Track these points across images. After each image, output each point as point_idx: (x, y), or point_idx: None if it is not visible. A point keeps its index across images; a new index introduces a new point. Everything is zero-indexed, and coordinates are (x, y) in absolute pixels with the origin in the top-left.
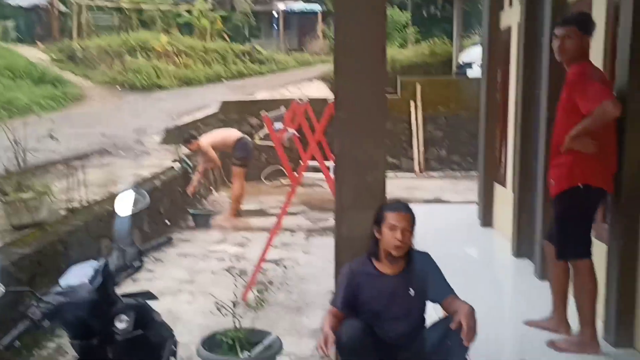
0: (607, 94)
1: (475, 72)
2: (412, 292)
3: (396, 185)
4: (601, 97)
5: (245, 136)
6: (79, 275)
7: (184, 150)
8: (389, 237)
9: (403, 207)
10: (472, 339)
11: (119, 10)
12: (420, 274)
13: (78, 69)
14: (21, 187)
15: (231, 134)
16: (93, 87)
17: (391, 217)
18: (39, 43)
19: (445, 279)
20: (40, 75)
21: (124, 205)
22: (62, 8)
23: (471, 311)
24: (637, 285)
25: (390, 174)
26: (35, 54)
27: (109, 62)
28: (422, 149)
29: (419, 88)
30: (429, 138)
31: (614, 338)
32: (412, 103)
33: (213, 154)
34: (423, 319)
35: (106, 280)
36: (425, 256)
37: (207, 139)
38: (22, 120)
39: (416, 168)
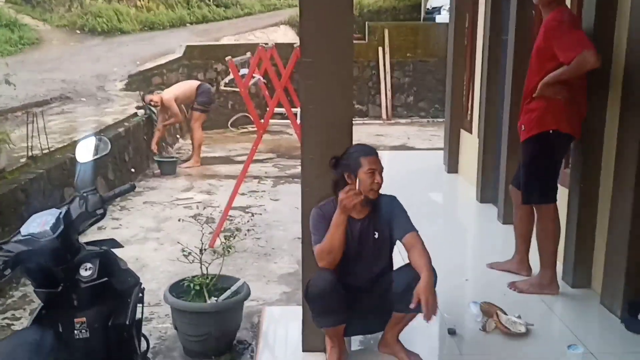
0: (587, 43)
1: (443, 17)
2: (376, 234)
3: (363, 132)
4: (582, 46)
5: (205, 83)
6: (40, 223)
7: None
8: (368, 182)
9: (374, 150)
10: (433, 315)
11: None
12: (386, 216)
13: (35, 12)
14: None
15: (191, 83)
16: (51, 30)
17: (369, 162)
18: None
19: (408, 218)
20: None
21: (85, 152)
22: None
23: (429, 283)
24: (595, 227)
25: (357, 120)
26: None
27: (68, 5)
28: (389, 95)
29: (387, 33)
30: (396, 84)
31: (572, 279)
32: (379, 49)
33: (176, 108)
34: (390, 263)
35: (68, 228)
36: (391, 198)
37: (169, 93)
38: None
39: (383, 115)
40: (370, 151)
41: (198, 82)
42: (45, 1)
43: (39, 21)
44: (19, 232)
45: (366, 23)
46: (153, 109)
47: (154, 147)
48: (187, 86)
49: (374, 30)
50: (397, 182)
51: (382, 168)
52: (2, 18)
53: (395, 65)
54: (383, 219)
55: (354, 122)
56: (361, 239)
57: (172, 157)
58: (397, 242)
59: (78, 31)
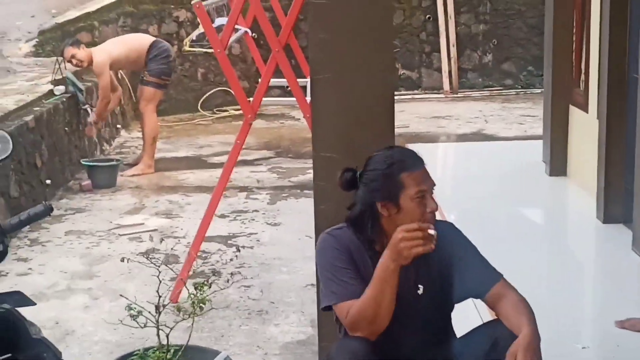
0: None
1: None
2: (420, 289)
3: (414, 113)
4: None
5: (162, 40)
6: None
7: (70, 65)
8: (418, 212)
9: (421, 159)
10: None
11: None
12: (443, 261)
13: None
14: None
15: (140, 40)
16: None
17: (416, 181)
18: None
19: (485, 261)
20: None
21: None
22: None
23: (532, 343)
24: None
25: (403, 94)
26: None
27: None
28: (454, 54)
29: None
30: (464, 36)
31: None
32: None
33: (107, 80)
34: (449, 327)
35: None
36: (448, 229)
37: (102, 52)
38: None
39: (445, 85)
40: (415, 162)
41: (150, 39)
42: None
43: None
44: None
45: None
46: (78, 83)
47: (91, 132)
48: (131, 44)
49: None
50: (471, 190)
51: (433, 184)
52: None
53: (462, 4)
54: (434, 266)
55: (397, 97)
56: (400, 292)
57: (110, 160)
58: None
59: None
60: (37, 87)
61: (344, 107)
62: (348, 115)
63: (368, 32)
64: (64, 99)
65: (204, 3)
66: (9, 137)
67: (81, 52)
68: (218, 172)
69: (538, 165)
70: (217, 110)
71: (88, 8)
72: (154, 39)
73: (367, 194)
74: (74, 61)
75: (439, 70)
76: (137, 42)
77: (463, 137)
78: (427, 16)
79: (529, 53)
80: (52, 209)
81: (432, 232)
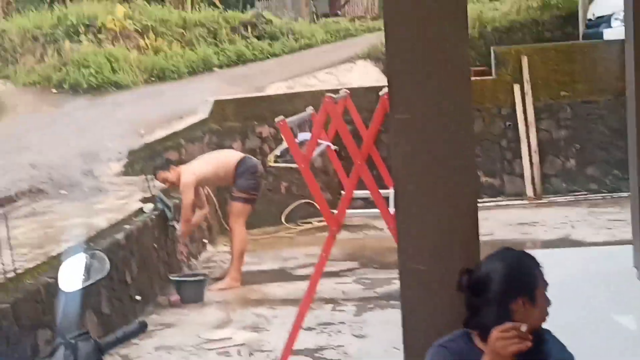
0: None
1: (615, 31)
2: None
3: (497, 220)
4: None
5: (250, 156)
6: None
7: (159, 182)
8: (545, 304)
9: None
10: None
11: None
12: None
13: None
14: None
15: (228, 157)
16: (15, 91)
17: (542, 274)
18: None
19: None
20: None
21: (72, 277)
22: None
23: None
24: None
25: (485, 202)
26: None
27: (39, 53)
28: (536, 159)
29: (525, 62)
30: (546, 141)
31: None
32: (516, 87)
33: (189, 201)
34: None
35: None
36: (548, 334)
37: (191, 171)
38: None
39: (529, 191)
40: (537, 261)
41: (238, 155)
42: (7, 49)
43: None
44: None
45: (492, 48)
46: (166, 200)
47: (182, 253)
48: (220, 161)
49: (505, 58)
50: (560, 299)
51: None
52: None
53: (542, 110)
54: None
55: (480, 204)
56: None
57: (198, 275)
58: None
59: (54, 90)
60: (127, 205)
61: (428, 218)
62: (433, 226)
63: (450, 143)
64: (153, 216)
65: (287, 120)
66: (106, 259)
67: (172, 174)
68: (303, 284)
69: (629, 271)
70: (301, 223)
71: (175, 127)
72: (242, 155)
73: (504, 292)
74: (167, 183)
75: (522, 176)
76: (226, 158)
77: (549, 244)
78: (508, 123)
79: (613, 157)
80: (146, 326)
81: (524, 329)
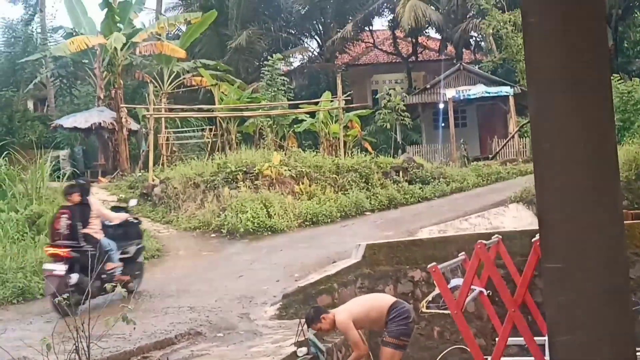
0: None
1: None
2: None
3: None
4: None
5: (402, 301)
6: None
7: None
8: None
9: None
10: None
11: (212, 121)
12: None
13: (156, 212)
14: None
15: (381, 300)
16: (177, 236)
17: None
18: (102, 178)
19: None
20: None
21: None
22: (133, 125)
23: None
24: None
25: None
26: (97, 195)
27: (200, 199)
28: None
29: None
30: None
31: None
32: None
33: (356, 335)
34: None
35: None
36: None
37: (346, 311)
38: None
39: None
40: None
41: (391, 299)
42: (169, 196)
43: (160, 224)
44: None
45: None
46: (319, 344)
47: None
48: (372, 303)
49: None
50: None
51: None
52: None
53: None
54: None
55: None
56: None
57: None
58: None
59: (213, 235)
60: (281, 349)
61: None
62: None
63: (604, 293)
64: None
65: (439, 266)
66: None
67: (324, 323)
68: None
69: None
70: None
71: (328, 272)
72: (394, 299)
73: None
74: (321, 332)
75: None
76: (378, 301)
77: None
78: None
79: None
80: None
81: None
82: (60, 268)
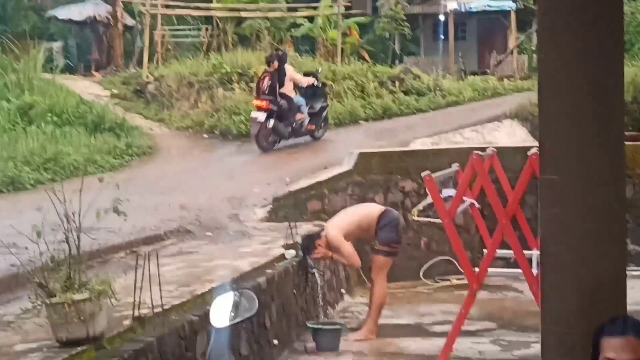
0: None
1: None
2: None
3: None
4: None
5: (391, 209)
6: None
7: (302, 229)
8: None
9: (631, 328)
10: None
11: (209, 20)
12: None
13: (149, 110)
14: (72, 284)
15: (371, 210)
16: (170, 135)
17: (610, 346)
18: (95, 73)
19: None
20: (96, 120)
21: (222, 314)
22: (129, 21)
23: None
24: None
25: (633, 270)
26: (90, 89)
27: (193, 99)
28: None
29: None
30: None
31: None
32: None
33: (349, 248)
34: None
35: None
36: None
37: (336, 227)
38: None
39: None
40: (620, 329)
41: (380, 208)
42: (163, 94)
43: (153, 122)
44: None
45: None
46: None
47: None
48: (362, 214)
49: None
50: None
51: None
52: (105, 119)
53: None
54: None
55: (628, 272)
56: None
57: (335, 324)
58: None
59: (206, 135)
60: (270, 250)
61: (574, 281)
62: (578, 289)
63: (599, 207)
64: (294, 263)
65: (433, 175)
66: (256, 298)
67: (321, 249)
68: (439, 341)
69: None
70: (439, 279)
71: (319, 177)
72: (384, 208)
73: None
74: (319, 256)
75: None
76: (368, 211)
77: None
78: None
79: None
80: None
81: None
82: (262, 116)
